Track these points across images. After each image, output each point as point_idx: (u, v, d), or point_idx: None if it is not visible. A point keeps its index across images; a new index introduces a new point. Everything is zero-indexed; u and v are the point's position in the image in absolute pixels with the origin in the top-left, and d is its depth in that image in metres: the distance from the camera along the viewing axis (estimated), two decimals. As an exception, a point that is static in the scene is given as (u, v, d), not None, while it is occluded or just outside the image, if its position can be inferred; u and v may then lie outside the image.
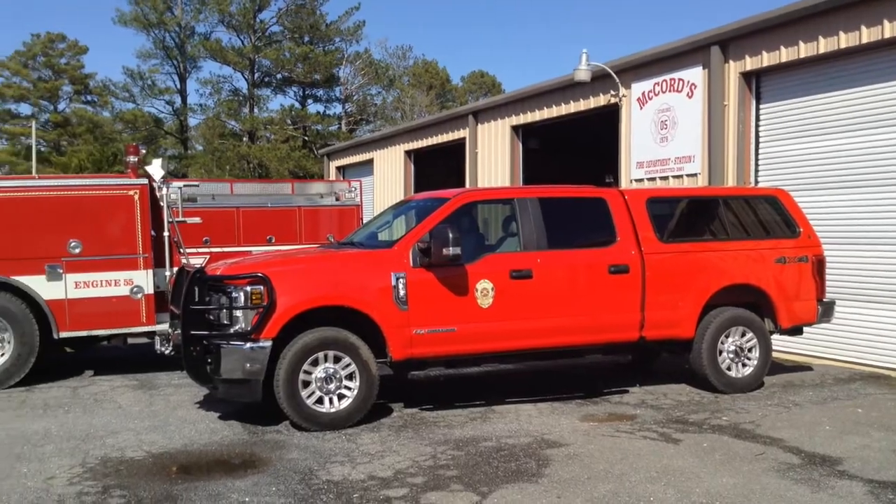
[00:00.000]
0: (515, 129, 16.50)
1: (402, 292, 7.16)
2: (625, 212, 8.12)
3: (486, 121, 17.34)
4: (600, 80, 13.50)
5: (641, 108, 12.96)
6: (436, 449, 6.36)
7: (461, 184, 17.89)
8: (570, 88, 14.40)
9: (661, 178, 12.54)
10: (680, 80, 12.22)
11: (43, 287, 9.08)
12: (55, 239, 9.15)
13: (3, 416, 7.70)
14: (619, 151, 13.60)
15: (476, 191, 10.47)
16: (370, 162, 23.36)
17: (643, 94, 12.91)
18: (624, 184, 13.17)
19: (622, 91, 13.25)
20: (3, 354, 8.98)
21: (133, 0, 46.79)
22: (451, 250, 7.05)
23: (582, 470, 5.81)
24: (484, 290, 7.41)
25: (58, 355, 10.29)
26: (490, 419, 7.32)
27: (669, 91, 12.41)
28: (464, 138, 18.15)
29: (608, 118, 13.98)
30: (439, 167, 20.46)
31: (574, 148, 18.01)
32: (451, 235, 7.04)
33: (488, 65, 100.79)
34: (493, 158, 17.07)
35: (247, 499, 5.27)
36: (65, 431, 7.04)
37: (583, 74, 13.21)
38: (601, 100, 13.86)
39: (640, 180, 12.92)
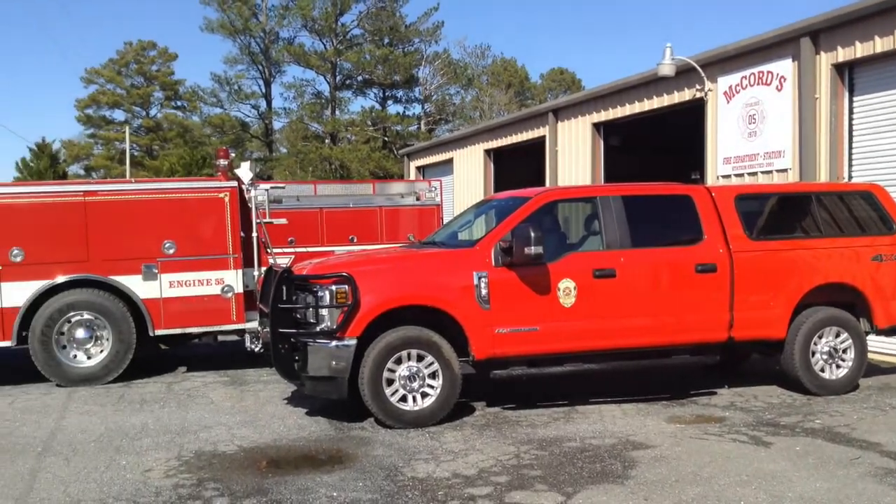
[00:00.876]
0: (596, 126, 16.30)
1: (484, 291, 7.17)
2: (712, 209, 7.93)
3: (567, 118, 17.19)
4: (685, 74, 13.22)
5: (728, 102, 12.63)
6: (519, 448, 6.36)
7: (541, 182, 17.78)
8: (653, 84, 14.15)
9: (750, 174, 12.19)
10: (769, 72, 11.85)
11: (139, 286, 9.46)
12: (151, 240, 9.53)
13: (102, 410, 8.06)
14: (704, 147, 13.29)
15: (558, 189, 10.41)
16: (450, 161, 23.46)
17: (730, 87, 12.58)
18: (710, 180, 12.86)
19: (708, 85, 12.94)
20: (102, 351, 9.40)
21: (220, 7, 48.28)
22: (533, 249, 7.02)
23: (669, 472, 5.71)
24: (566, 290, 7.35)
25: (153, 352, 10.70)
26: (573, 419, 7.27)
27: (758, 84, 12.05)
28: (543, 136, 18.04)
29: (692, 113, 13.68)
30: (519, 166, 20.38)
31: (657, 145, 17.68)
32: (533, 234, 7.02)
33: (568, 62, 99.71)
34: (574, 156, 16.92)
35: (334, 493, 5.38)
36: (161, 426, 7.32)
37: (667, 69, 12.96)
38: (686, 94, 13.56)
39: (728, 176, 12.59)
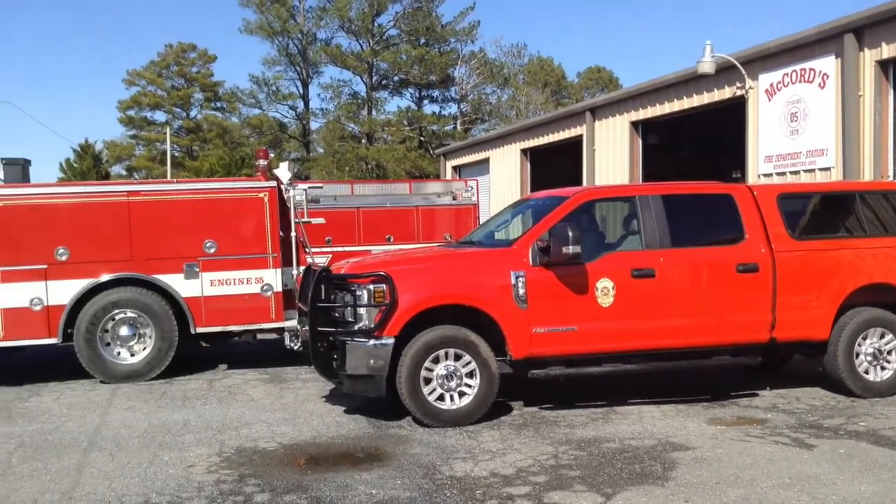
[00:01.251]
0: (635, 124, 16.19)
1: (521, 291, 7.16)
2: (753, 208, 7.82)
3: (604, 117, 17.09)
4: (725, 72, 13.07)
5: (769, 99, 12.46)
6: (557, 448, 6.34)
7: (578, 182, 17.69)
8: (692, 81, 14.02)
9: (792, 172, 12.01)
10: (811, 69, 11.67)
11: (181, 285, 9.62)
12: (192, 239, 9.67)
13: (145, 406, 8.20)
14: (745, 146, 13.12)
15: (596, 188, 10.35)
16: (486, 161, 23.46)
17: (771, 85, 12.41)
18: (751, 179, 12.70)
19: (749, 83, 12.78)
20: (145, 348, 9.57)
21: (258, 9, 48.81)
22: (571, 249, 7.00)
23: (710, 474, 5.65)
24: (604, 289, 7.31)
25: (194, 350, 10.85)
26: (612, 420, 7.23)
27: (800, 82, 11.87)
28: (581, 135, 17.96)
29: (733, 111, 13.51)
30: (555, 165, 20.32)
31: (696, 143, 17.49)
32: (571, 234, 7.00)
33: (605, 60, 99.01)
34: (612, 155, 16.81)
35: (373, 491, 5.42)
36: (202, 422, 7.44)
37: (707, 67, 12.82)
38: (726, 92, 13.41)
39: (769, 175, 12.42)
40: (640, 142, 16.12)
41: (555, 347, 7.32)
